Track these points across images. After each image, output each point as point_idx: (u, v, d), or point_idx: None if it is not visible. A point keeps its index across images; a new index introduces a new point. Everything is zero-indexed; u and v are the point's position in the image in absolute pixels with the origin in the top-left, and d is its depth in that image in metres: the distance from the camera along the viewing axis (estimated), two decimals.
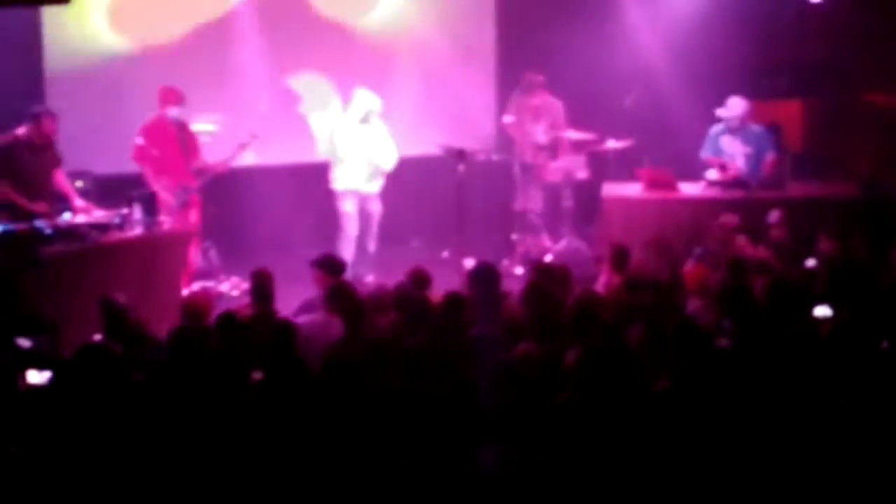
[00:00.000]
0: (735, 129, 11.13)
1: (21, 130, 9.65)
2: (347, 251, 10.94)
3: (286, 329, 6.80)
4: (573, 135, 11.84)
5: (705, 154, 11.23)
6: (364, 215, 11.26)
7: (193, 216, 10.59)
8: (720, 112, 11.15)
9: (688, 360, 6.05)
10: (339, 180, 11.20)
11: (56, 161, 9.84)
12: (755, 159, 11.07)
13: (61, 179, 9.86)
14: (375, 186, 11.28)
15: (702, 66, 12.76)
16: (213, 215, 10.95)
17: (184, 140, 10.59)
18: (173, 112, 10.51)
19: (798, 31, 12.62)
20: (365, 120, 11.13)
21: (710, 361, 6.14)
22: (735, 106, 11.11)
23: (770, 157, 11.08)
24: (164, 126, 10.53)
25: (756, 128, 11.24)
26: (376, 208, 11.31)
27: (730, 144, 11.15)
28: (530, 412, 5.55)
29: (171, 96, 10.53)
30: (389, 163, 11.25)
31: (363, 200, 11.25)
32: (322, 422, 5.69)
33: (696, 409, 5.66)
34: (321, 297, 7.89)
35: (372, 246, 11.34)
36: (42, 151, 9.68)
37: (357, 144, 11.13)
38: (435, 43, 12.90)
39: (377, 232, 11.33)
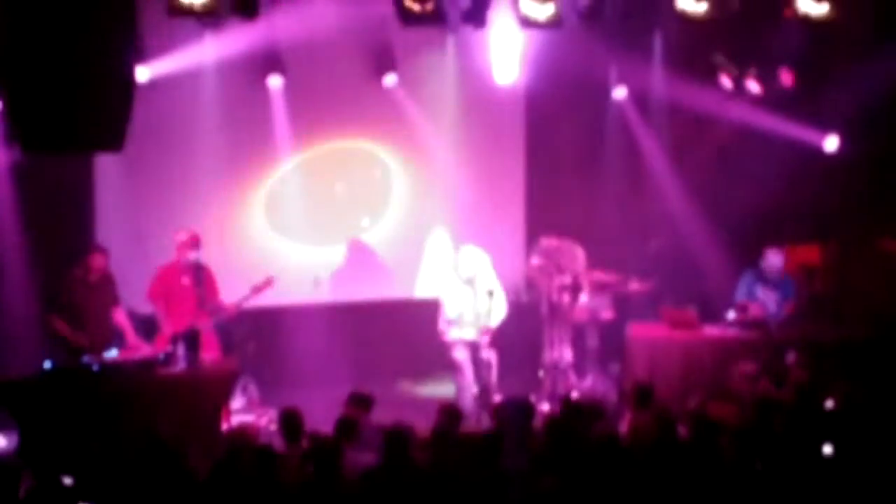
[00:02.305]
0: (769, 280, 11.53)
1: (77, 269, 10.23)
2: (466, 399, 10.88)
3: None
4: (597, 276, 11.99)
5: (740, 298, 11.57)
6: (479, 364, 11.16)
7: (210, 353, 10.56)
8: (764, 266, 11.53)
9: None
10: (448, 331, 11.21)
11: (113, 299, 10.41)
12: (782, 305, 11.50)
13: (120, 317, 10.42)
14: (485, 338, 11.23)
15: (723, 210, 13.17)
16: (251, 352, 11.32)
17: (199, 281, 10.81)
18: (190, 255, 10.78)
19: (816, 178, 13.01)
20: (470, 282, 11.21)
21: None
22: (776, 260, 11.54)
23: (789, 303, 11.48)
24: (181, 268, 10.79)
25: (785, 277, 11.66)
26: (490, 356, 11.19)
27: (765, 294, 11.53)
28: None
29: (187, 240, 10.80)
30: (496, 320, 11.26)
31: (475, 349, 11.18)
32: None
33: None
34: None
35: (492, 396, 10.95)
36: (97, 289, 10.23)
37: (465, 303, 11.18)
38: (467, 182, 13.38)
39: (495, 383, 11.16)
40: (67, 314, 10.14)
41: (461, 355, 11.19)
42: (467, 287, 11.21)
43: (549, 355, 12.02)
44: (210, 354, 10.46)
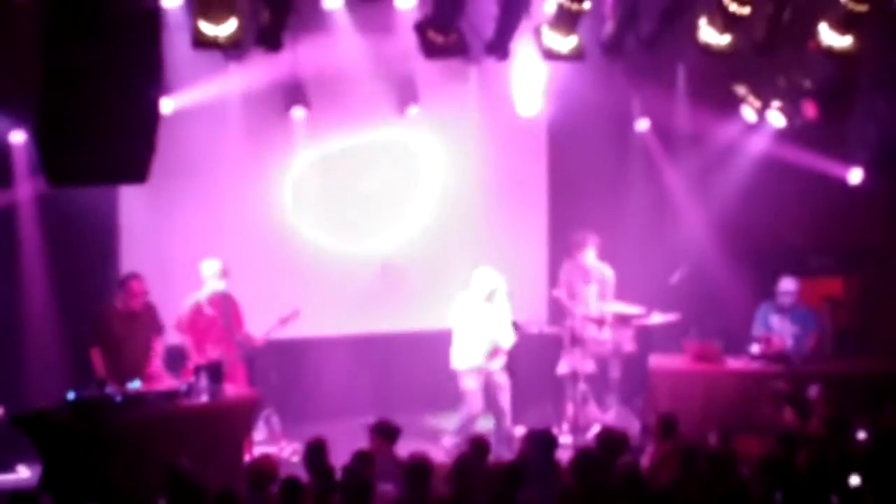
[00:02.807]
0: (785, 309, 11.50)
1: (116, 300, 10.29)
2: (471, 430, 10.78)
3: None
4: (620, 308, 12.00)
5: (757, 331, 11.57)
6: (491, 390, 11.16)
7: (238, 384, 10.59)
8: (777, 293, 11.50)
9: None
10: (460, 360, 11.19)
11: (155, 328, 10.46)
12: (801, 339, 11.43)
13: (156, 346, 10.42)
14: (497, 363, 11.24)
15: (747, 243, 13.12)
16: (274, 383, 11.34)
17: (225, 311, 10.90)
18: (217, 285, 10.88)
19: (841, 212, 12.96)
20: (489, 299, 11.21)
21: None
22: (789, 286, 11.56)
23: (812, 336, 11.41)
24: (207, 298, 10.87)
25: (803, 308, 11.59)
26: (502, 380, 11.19)
27: (779, 323, 11.50)
28: None
29: (213, 270, 10.88)
30: (507, 342, 11.29)
31: (487, 376, 11.16)
32: None
33: None
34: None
35: (508, 423, 11.18)
36: (135, 319, 10.26)
37: (479, 323, 11.17)
38: (489, 215, 13.35)
39: (509, 409, 11.20)
40: (106, 347, 10.16)
41: (472, 385, 11.13)
42: (486, 308, 11.17)
43: (570, 385, 11.93)
44: (237, 385, 10.47)
